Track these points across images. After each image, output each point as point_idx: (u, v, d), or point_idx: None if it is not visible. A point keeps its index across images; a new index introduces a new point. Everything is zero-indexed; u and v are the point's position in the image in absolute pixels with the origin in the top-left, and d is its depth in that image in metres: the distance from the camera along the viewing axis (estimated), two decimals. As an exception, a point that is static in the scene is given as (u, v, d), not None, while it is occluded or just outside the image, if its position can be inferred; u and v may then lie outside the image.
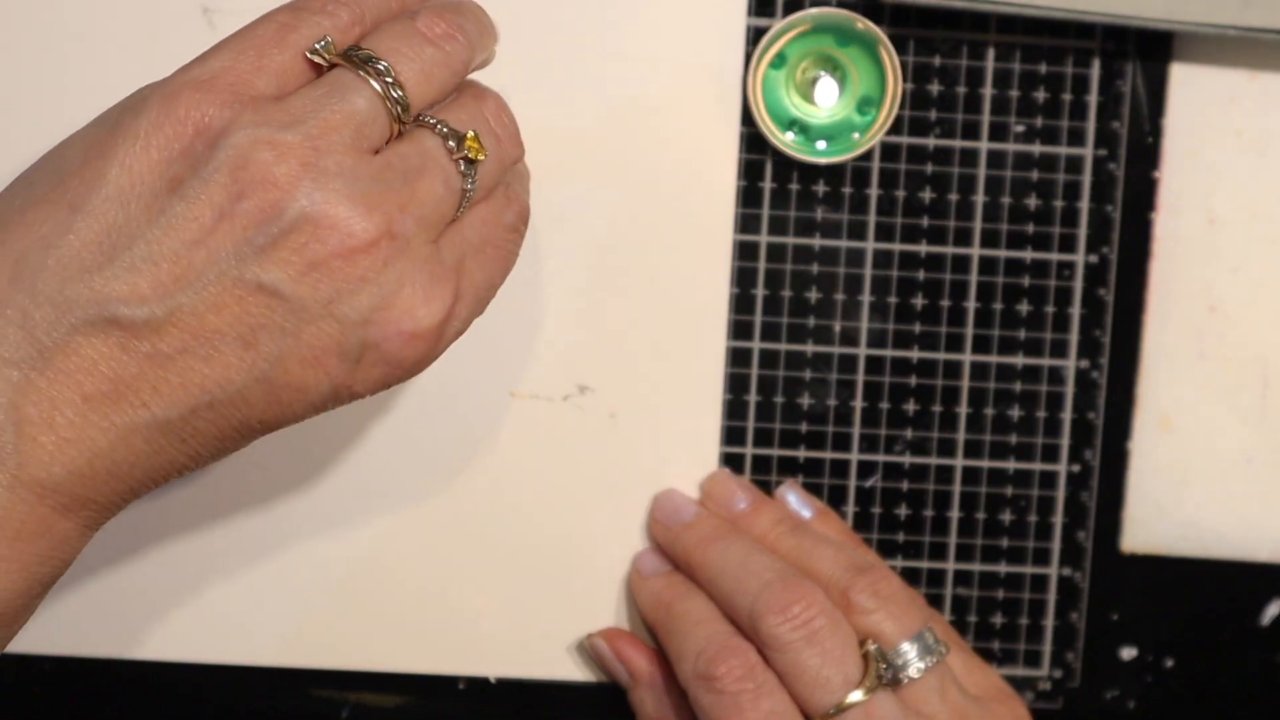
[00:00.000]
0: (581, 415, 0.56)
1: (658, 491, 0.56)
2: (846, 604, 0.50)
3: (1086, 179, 0.56)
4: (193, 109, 0.40)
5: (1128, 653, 0.58)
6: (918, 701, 0.50)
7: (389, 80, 0.42)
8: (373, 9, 0.44)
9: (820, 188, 0.56)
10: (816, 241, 0.56)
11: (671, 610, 0.53)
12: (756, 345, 0.56)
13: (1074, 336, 0.56)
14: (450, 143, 0.43)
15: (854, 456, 0.57)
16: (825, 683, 0.49)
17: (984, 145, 0.56)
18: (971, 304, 0.56)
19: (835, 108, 0.55)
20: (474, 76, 0.47)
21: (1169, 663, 0.58)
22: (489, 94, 0.46)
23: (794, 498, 0.55)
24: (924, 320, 0.56)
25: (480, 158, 0.44)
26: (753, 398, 0.56)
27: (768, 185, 0.55)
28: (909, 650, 0.50)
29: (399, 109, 0.42)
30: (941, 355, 0.56)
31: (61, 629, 0.55)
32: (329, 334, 0.41)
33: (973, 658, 0.54)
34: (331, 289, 0.40)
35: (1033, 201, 0.56)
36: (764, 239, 0.56)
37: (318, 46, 0.42)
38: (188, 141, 0.40)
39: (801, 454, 0.56)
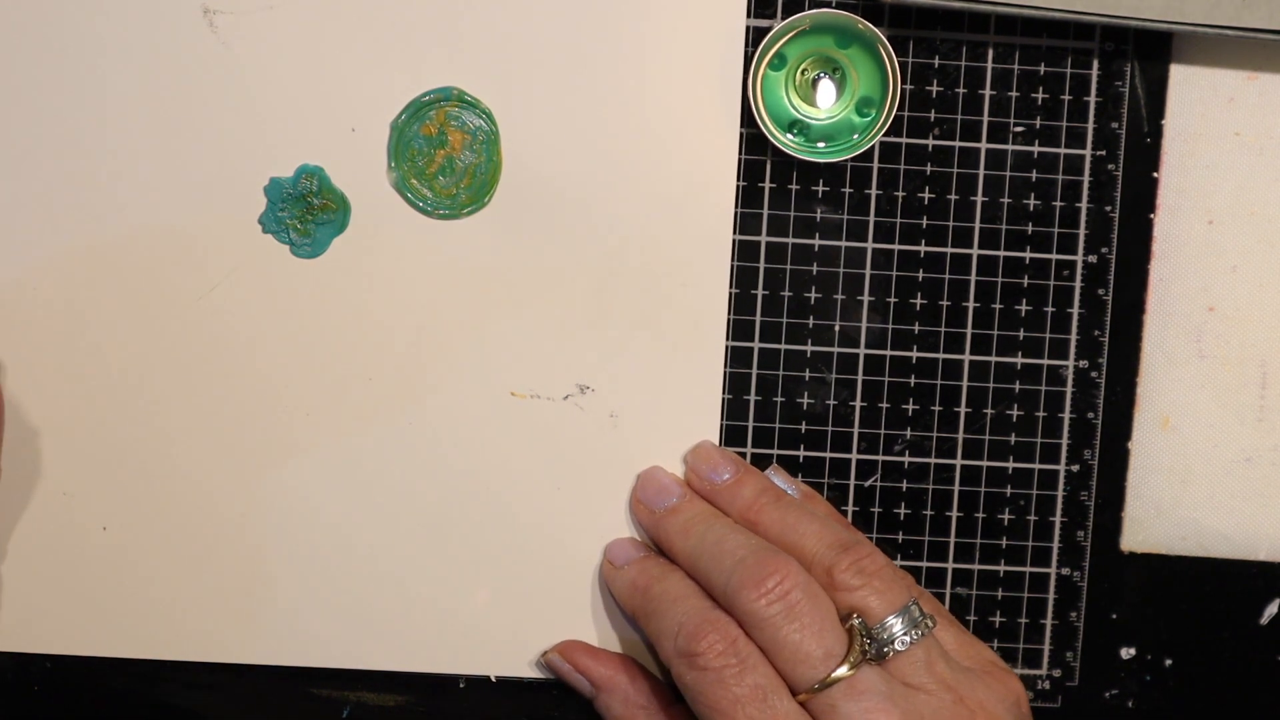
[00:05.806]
0: (581, 415, 0.56)
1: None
2: (830, 582, 0.50)
3: (1086, 179, 0.56)
4: None
5: (1127, 652, 0.58)
6: (904, 674, 0.49)
7: None
8: None
9: (820, 188, 0.56)
10: (816, 241, 0.56)
11: (649, 593, 0.53)
12: (756, 345, 0.56)
13: (1074, 336, 0.56)
14: None
15: (854, 456, 0.57)
16: (806, 657, 0.48)
17: (983, 146, 0.56)
18: (971, 304, 0.56)
19: (835, 108, 0.55)
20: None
21: (1168, 662, 0.58)
22: None
23: (779, 481, 0.55)
24: (923, 320, 0.56)
25: None
26: (753, 398, 0.56)
27: (768, 185, 0.55)
28: (894, 623, 0.49)
29: None
30: (941, 355, 0.56)
31: (61, 629, 0.55)
32: None
33: (964, 632, 0.54)
34: None
35: (1032, 202, 0.56)
36: (764, 239, 0.56)
37: None
38: None
39: (801, 454, 0.56)
